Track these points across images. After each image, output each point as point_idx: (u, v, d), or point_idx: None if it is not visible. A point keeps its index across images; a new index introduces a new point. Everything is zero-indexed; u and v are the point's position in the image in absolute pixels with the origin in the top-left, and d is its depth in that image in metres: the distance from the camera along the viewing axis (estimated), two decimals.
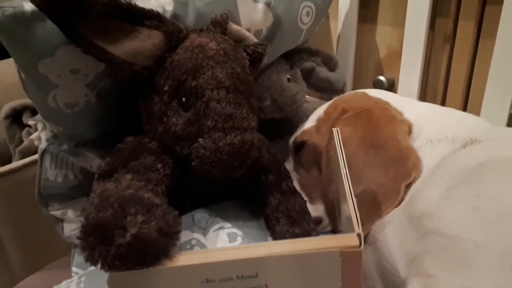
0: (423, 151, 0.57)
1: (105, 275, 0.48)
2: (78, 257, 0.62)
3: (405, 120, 0.60)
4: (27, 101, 0.99)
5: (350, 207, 0.38)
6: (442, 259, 0.40)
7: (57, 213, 0.62)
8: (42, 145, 0.58)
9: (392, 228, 0.50)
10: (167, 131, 0.48)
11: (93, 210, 0.36)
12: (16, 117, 1.07)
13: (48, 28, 0.44)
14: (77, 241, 0.63)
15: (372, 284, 0.51)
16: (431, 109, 0.64)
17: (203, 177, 0.52)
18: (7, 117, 1.07)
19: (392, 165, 0.56)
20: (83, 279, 0.50)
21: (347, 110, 0.64)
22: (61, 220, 0.63)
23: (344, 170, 0.44)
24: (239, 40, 0.56)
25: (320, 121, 0.67)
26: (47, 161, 0.58)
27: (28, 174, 0.77)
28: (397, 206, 0.52)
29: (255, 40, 0.58)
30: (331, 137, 0.61)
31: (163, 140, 0.49)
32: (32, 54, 0.45)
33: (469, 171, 0.46)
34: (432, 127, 0.59)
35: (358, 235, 0.35)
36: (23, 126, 1.04)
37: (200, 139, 0.46)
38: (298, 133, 0.69)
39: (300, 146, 0.67)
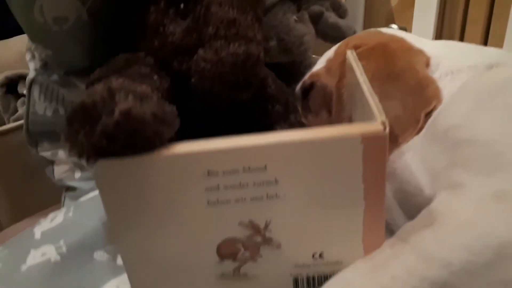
0: (443, 82, 0.52)
1: (95, 204, 0.43)
2: (69, 201, 0.58)
3: (422, 51, 0.56)
4: (22, 71, 0.96)
5: (368, 98, 0.33)
6: (472, 166, 0.36)
7: (47, 153, 0.58)
8: (30, 74, 0.53)
9: (412, 153, 0.45)
10: (164, 43, 0.44)
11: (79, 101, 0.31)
12: (11, 87, 1.04)
13: None
14: (69, 183, 0.59)
15: (391, 216, 0.46)
16: (449, 43, 0.59)
17: (204, 102, 0.48)
18: (1, 86, 1.05)
19: (410, 95, 0.52)
20: (71, 208, 0.46)
21: (360, 46, 0.59)
22: (51, 163, 0.59)
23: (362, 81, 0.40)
24: None
25: (330, 61, 0.63)
26: (36, 92, 0.53)
27: (19, 138, 0.74)
28: (416, 134, 0.48)
29: None
30: (342, 75, 0.57)
31: (160, 56, 0.45)
32: None
33: (498, 85, 0.42)
34: (451, 58, 0.55)
35: (382, 122, 0.30)
36: (18, 96, 1.01)
37: (200, 50, 0.42)
38: (306, 76, 0.64)
39: (308, 89, 0.63)
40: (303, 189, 0.32)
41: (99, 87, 0.32)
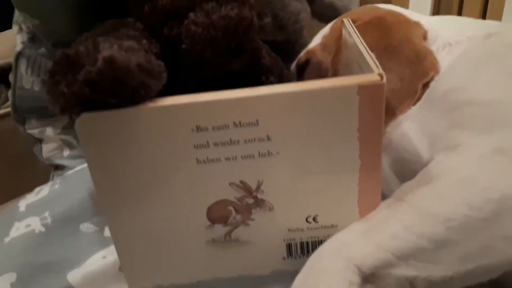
0: (440, 54, 0.52)
1: (82, 176, 0.42)
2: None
3: (419, 23, 0.55)
4: None
5: (365, 54, 0.32)
6: (472, 126, 0.34)
7: (34, 131, 0.56)
8: (17, 47, 0.52)
9: (409, 122, 0.44)
10: (154, 9, 0.43)
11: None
12: (2, 77, 1.02)
13: None
14: (57, 161, 0.58)
15: (388, 187, 0.45)
16: (447, 17, 0.58)
17: (195, 71, 0.46)
18: None
19: (407, 66, 0.51)
20: (58, 181, 0.44)
21: (356, 21, 0.58)
22: (39, 141, 0.57)
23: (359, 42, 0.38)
24: None
25: (325, 37, 0.61)
26: (23, 66, 0.52)
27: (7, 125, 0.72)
28: (414, 105, 0.47)
29: None
30: (338, 50, 0.56)
31: (150, 21, 0.43)
32: None
33: (497, 49, 0.41)
34: (449, 30, 0.54)
35: (379, 74, 0.29)
36: (10, 85, 0.99)
37: (191, 13, 0.40)
38: (301, 54, 0.63)
39: (303, 66, 0.62)
40: (296, 146, 0.31)
41: (83, 42, 0.30)
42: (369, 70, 0.30)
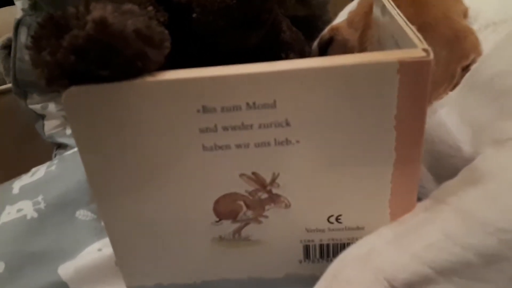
0: (483, 34, 0.46)
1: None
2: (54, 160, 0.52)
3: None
4: None
5: (405, 28, 0.27)
6: None
7: (36, 106, 0.52)
8: (17, 15, 0.47)
9: (447, 109, 0.39)
10: None
11: None
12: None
13: None
14: (60, 139, 0.54)
15: (420, 185, 0.40)
16: None
17: (207, 46, 0.42)
18: (4, 48, 0.99)
19: (445, 47, 0.45)
20: (55, 161, 0.40)
21: None
22: (41, 117, 0.53)
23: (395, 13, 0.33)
24: None
25: (352, 13, 0.56)
26: (23, 35, 0.48)
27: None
28: (451, 90, 0.41)
29: None
30: (366, 26, 0.51)
31: None
32: None
33: None
34: (492, 8, 0.48)
35: (424, 49, 0.24)
36: None
37: None
38: (324, 31, 0.58)
39: (327, 45, 0.57)
40: (320, 134, 0.26)
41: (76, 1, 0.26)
42: (411, 45, 0.25)
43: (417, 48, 0.24)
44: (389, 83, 0.24)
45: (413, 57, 0.23)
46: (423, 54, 0.23)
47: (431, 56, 0.23)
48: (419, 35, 0.26)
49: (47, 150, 0.59)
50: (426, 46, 0.25)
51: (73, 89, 0.24)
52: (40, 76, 0.25)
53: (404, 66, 0.23)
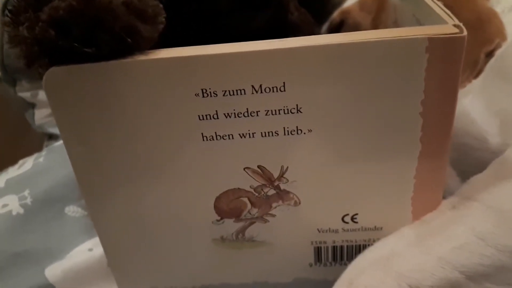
0: (507, 16, 0.43)
1: None
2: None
3: None
4: None
5: (431, 5, 0.24)
6: None
7: (26, 94, 0.49)
8: None
9: (471, 98, 0.36)
10: None
11: None
12: None
13: None
14: (51, 129, 0.51)
15: None
16: None
17: (208, 29, 0.39)
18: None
19: (467, 31, 0.42)
20: (43, 153, 0.38)
21: None
22: (31, 106, 0.50)
23: None
24: None
25: None
26: None
27: None
28: (475, 78, 0.39)
29: None
30: (380, 9, 0.48)
31: None
32: None
33: None
34: None
35: (456, 25, 0.21)
36: None
37: None
38: (335, 14, 0.55)
39: (337, 28, 0.54)
40: (335, 122, 0.23)
41: None
42: (439, 23, 0.22)
43: (447, 24, 0.21)
44: (416, 63, 0.21)
45: (444, 33, 0.20)
46: (456, 30, 0.20)
47: (465, 32, 0.20)
48: (447, 11, 0.23)
49: (40, 142, 0.56)
50: (457, 21, 0.21)
51: (54, 69, 0.21)
52: (19, 56, 0.22)
53: (434, 44, 0.20)
